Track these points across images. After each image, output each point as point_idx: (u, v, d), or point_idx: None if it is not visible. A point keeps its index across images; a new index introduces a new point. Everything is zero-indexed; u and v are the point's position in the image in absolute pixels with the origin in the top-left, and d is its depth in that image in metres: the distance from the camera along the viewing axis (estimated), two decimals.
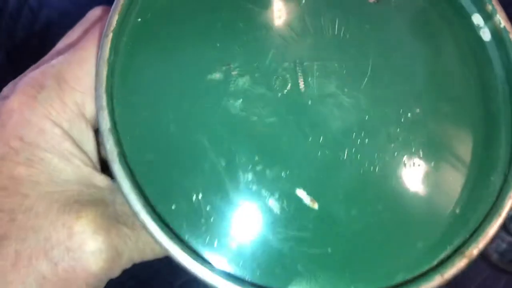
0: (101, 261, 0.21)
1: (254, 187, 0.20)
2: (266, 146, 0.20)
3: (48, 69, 0.22)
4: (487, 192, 0.21)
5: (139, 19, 0.21)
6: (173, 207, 0.19)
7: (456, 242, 0.20)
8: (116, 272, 0.23)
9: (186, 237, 0.19)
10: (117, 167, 0.18)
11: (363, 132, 0.20)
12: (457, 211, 0.21)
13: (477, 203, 0.21)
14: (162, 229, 0.18)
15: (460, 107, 0.22)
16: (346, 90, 0.21)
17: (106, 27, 0.20)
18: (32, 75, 0.22)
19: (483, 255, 0.65)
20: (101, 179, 0.22)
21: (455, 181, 0.21)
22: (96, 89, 0.19)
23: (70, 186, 0.22)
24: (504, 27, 0.22)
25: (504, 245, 0.62)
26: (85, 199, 0.22)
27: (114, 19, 0.20)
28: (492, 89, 0.22)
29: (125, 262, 0.23)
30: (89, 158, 0.23)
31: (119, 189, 0.18)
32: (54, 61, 0.23)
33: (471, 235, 0.20)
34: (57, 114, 0.22)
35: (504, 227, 0.63)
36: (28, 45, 0.59)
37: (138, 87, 0.20)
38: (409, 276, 0.20)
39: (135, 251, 0.22)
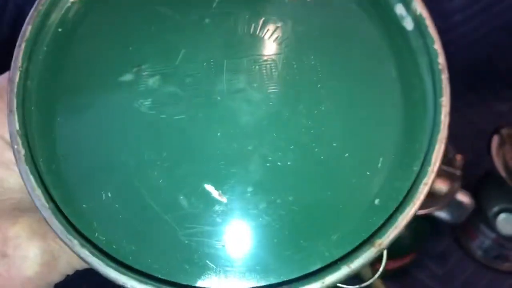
0: (36, 265, 0.22)
1: (163, 184, 0.20)
2: (175, 142, 0.20)
3: None
4: (409, 183, 0.20)
5: (60, 29, 0.22)
6: (84, 206, 0.19)
7: (372, 232, 0.20)
8: (55, 277, 0.23)
9: (96, 235, 0.19)
10: (22, 168, 0.19)
11: (273, 126, 0.20)
12: (377, 202, 0.20)
13: (398, 194, 0.20)
14: (64, 226, 0.18)
15: (379, 98, 0.21)
16: (255, 85, 0.21)
17: (20, 38, 0.21)
18: None
19: (467, 252, 0.64)
20: None
21: (374, 171, 0.21)
22: (8, 93, 0.20)
23: (11, 194, 0.23)
24: (420, 13, 0.21)
25: (488, 242, 0.62)
26: (26, 206, 0.23)
27: (28, 29, 0.21)
28: (416, 77, 0.21)
29: (64, 267, 0.23)
30: None
31: (26, 189, 0.19)
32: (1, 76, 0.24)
33: (383, 225, 0.20)
34: None
35: (488, 224, 0.62)
36: (13, 41, 0.61)
37: (53, 92, 0.21)
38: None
39: (74, 257, 0.23)
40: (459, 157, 0.57)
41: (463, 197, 0.55)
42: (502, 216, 0.61)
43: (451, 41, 0.69)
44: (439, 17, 0.67)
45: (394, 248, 0.59)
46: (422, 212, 0.52)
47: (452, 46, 0.70)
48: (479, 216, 0.61)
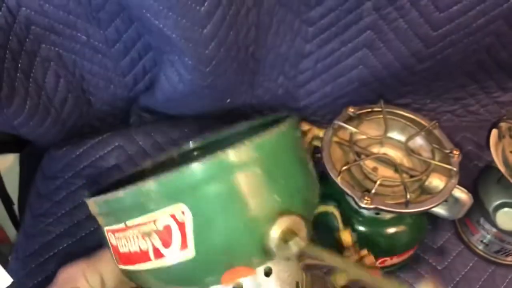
0: None
1: None
2: None
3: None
4: None
5: None
6: None
7: None
8: None
9: None
10: None
11: None
12: None
13: None
14: None
15: None
16: None
17: None
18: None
19: (468, 246, 0.66)
20: None
21: None
22: None
23: None
24: None
25: (489, 237, 0.63)
26: None
27: None
28: None
29: None
30: None
31: None
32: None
33: None
34: None
35: (488, 218, 0.63)
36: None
37: None
38: None
39: None
40: (456, 152, 0.57)
41: (460, 194, 0.56)
42: (502, 211, 0.62)
43: (451, 31, 0.69)
44: (437, 8, 0.67)
45: (395, 245, 0.61)
46: (419, 210, 0.53)
47: (453, 37, 0.70)
48: (480, 210, 0.62)
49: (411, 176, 0.55)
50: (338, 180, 0.54)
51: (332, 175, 0.55)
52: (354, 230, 0.60)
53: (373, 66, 0.75)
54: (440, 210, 0.59)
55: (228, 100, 0.78)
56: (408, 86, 0.80)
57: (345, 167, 0.54)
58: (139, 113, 0.80)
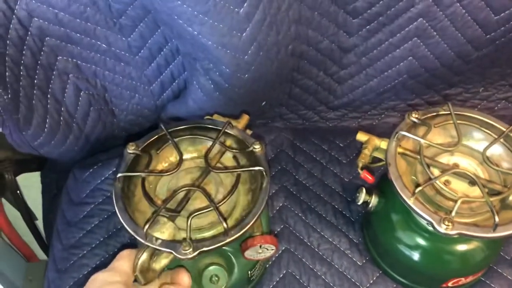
0: None
1: None
2: None
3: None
4: None
5: None
6: None
7: None
8: None
9: None
10: None
11: None
12: None
13: None
14: None
15: None
16: None
17: None
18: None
19: None
20: None
21: None
22: None
23: None
24: None
25: None
26: None
27: None
28: None
29: None
30: None
31: None
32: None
33: None
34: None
35: None
36: None
37: None
38: None
39: None
40: None
41: None
42: None
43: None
44: None
45: (468, 264, 0.53)
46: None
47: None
48: None
49: (495, 194, 0.49)
50: (411, 202, 0.48)
51: (404, 196, 0.48)
52: (419, 247, 0.54)
53: (424, 56, 0.67)
54: None
55: (264, 103, 0.71)
56: (461, 75, 0.72)
57: (419, 189, 0.48)
58: (167, 121, 0.73)
